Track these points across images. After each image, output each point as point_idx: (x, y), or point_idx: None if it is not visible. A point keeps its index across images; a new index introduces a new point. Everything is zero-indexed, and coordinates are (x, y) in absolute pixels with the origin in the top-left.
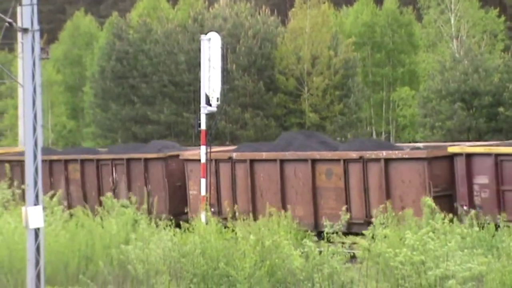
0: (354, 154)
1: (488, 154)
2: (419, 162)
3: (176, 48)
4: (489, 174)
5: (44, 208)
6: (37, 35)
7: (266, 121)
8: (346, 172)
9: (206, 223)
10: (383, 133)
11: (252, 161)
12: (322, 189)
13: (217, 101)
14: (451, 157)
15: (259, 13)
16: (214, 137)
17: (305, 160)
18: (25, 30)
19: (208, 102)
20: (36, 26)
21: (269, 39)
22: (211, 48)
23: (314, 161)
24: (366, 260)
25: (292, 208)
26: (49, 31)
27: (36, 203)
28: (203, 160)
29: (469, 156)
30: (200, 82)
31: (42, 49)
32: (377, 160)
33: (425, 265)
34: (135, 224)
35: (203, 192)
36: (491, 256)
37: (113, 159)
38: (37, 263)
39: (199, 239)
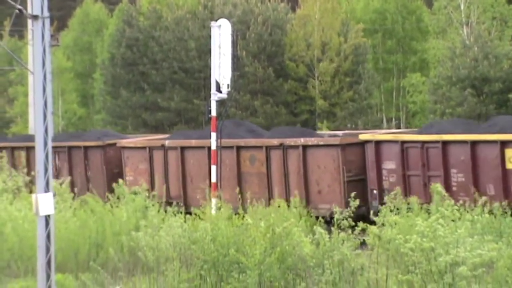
0: (275, 141)
1: (395, 141)
2: (333, 149)
3: (186, 35)
4: (396, 160)
5: (54, 195)
6: (47, 22)
7: (276, 108)
8: (268, 158)
9: (218, 209)
10: (393, 119)
11: (182, 148)
12: (247, 174)
13: (227, 88)
14: (363, 144)
15: (269, 0)
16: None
17: (231, 147)
18: (35, 17)
19: (218, 89)
20: (46, 13)
21: (279, 26)
22: (221, 35)
23: (239, 148)
24: (376, 247)
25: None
26: (59, 18)
27: (47, 190)
28: (213, 147)
29: (378, 143)
30: (210, 69)
31: (52, 36)
32: (295, 147)
33: (435, 252)
34: (145, 211)
35: (213, 179)
36: (501, 243)
37: (55, 147)
38: (47, 250)
39: (209, 226)
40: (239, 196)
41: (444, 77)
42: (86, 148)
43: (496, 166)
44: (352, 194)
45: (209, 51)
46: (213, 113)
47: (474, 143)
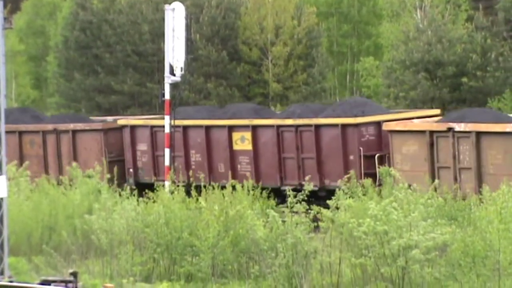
0: (50, 126)
1: (146, 126)
2: (97, 133)
3: (140, 18)
4: (147, 142)
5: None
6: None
7: (229, 91)
8: (44, 141)
9: (171, 193)
10: None
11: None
12: (27, 156)
13: (181, 71)
14: (121, 128)
15: None
16: (178, 107)
17: (13, 132)
18: None
19: (172, 72)
20: None
21: (233, 9)
22: (175, 18)
23: (21, 133)
24: (330, 230)
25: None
26: (12, 0)
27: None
28: (167, 130)
29: (133, 127)
30: (164, 52)
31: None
32: (67, 131)
33: (388, 235)
34: (98, 194)
35: (166, 162)
36: (455, 226)
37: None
38: (0, 233)
39: (163, 209)
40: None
41: (397, 61)
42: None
43: (225, 148)
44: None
45: (162, 34)
46: (167, 96)
47: (208, 128)
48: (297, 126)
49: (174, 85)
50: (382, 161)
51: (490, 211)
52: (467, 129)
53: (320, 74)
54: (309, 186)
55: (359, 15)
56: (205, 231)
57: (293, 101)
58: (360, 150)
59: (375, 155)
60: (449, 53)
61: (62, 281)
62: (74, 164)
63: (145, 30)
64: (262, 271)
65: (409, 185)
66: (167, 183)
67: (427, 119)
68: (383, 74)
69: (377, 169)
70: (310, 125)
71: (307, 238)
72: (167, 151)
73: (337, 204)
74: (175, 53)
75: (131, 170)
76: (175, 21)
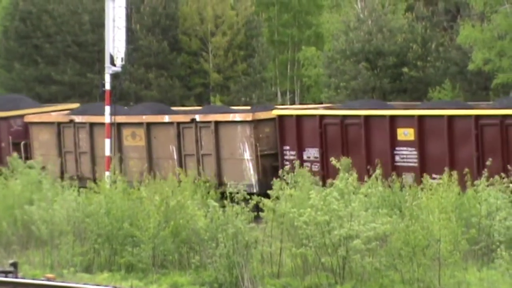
0: None
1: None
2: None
3: (80, 8)
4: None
5: None
6: None
7: (170, 81)
8: None
9: (111, 184)
10: (287, 93)
11: None
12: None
13: (122, 61)
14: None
15: None
16: (119, 97)
17: None
18: None
19: (112, 62)
20: None
21: None
22: (115, 8)
23: None
24: (271, 220)
25: None
26: None
27: None
28: (107, 120)
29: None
30: (104, 42)
31: None
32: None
33: (329, 225)
34: (39, 184)
35: (107, 153)
36: (396, 216)
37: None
38: None
39: (104, 199)
40: None
41: (338, 50)
42: None
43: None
44: None
45: (103, 25)
46: (107, 86)
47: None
48: None
49: (114, 76)
50: (26, 147)
51: (431, 201)
52: (84, 121)
53: (261, 64)
54: None
55: (300, 4)
56: (146, 221)
57: (233, 91)
58: (9, 138)
59: (20, 142)
60: (390, 43)
61: (2, 272)
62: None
63: (86, 20)
64: (203, 261)
65: (43, 167)
66: (107, 173)
67: (61, 113)
68: (323, 64)
69: (22, 154)
70: None
71: (248, 228)
72: (107, 141)
73: (278, 194)
74: (115, 43)
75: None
76: (115, 11)
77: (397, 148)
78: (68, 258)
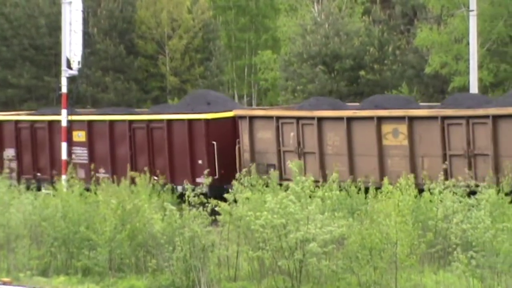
0: None
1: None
2: None
3: (36, 12)
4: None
5: None
6: None
7: (127, 84)
8: None
9: (68, 188)
10: (245, 96)
11: None
12: None
13: (78, 64)
14: None
15: None
16: (76, 100)
17: None
18: None
19: (69, 66)
20: None
21: (130, 2)
22: (72, 12)
23: None
24: (228, 224)
25: None
26: None
27: None
28: (64, 123)
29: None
30: (61, 45)
31: None
32: None
33: (286, 229)
34: None
35: (64, 156)
36: (352, 219)
37: None
38: None
39: (60, 202)
40: None
41: (295, 54)
42: None
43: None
44: None
45: (60, 28)
46: (64, 90)
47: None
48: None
49: (71, 79)
50: None
51: (387, 204)
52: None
53: (218, 67)
54: None
55: (257, 8)
56: (102, 224)
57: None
58: None
59: None
60: (347, 46)
61: None
62: None
63: (42, 23)
64: (160, 265)
65: None
66: (64, 177)
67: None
68: (280, 67)
69: None
70: None
71: (205, 232)
72: (64, 145)
73: (235, 197)
74: (72, 46)
75: None
76: (72, 14)
77: (73, 148)
78: (25, 261)
